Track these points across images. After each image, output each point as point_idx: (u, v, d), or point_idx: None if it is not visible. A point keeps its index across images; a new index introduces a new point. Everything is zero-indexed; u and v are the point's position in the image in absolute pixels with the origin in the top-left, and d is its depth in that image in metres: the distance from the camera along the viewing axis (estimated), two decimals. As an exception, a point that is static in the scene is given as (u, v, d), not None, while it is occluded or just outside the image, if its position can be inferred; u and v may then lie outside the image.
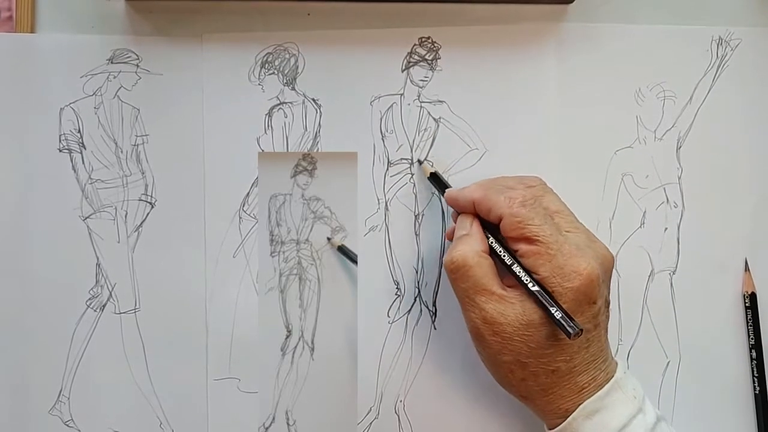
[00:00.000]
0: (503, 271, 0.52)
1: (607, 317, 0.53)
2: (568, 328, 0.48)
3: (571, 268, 0.50)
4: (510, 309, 0.51)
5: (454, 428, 0.59)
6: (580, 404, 0.50)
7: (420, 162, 0.60)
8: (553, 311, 0.49)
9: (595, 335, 0.51)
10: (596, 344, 0.51)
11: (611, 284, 0.54)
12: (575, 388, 0.51)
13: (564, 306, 0.49)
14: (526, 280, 0.51)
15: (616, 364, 0.53)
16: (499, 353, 0.51)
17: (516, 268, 0.51)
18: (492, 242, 0.53)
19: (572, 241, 0.51)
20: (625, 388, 0.51)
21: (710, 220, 0.61)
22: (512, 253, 0.52)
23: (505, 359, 0.51)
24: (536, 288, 0.50)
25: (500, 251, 0.52)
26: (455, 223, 0.56)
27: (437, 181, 0.59)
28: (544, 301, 0.50)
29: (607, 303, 0.53)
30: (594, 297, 0.51)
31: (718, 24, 0.61)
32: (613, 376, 0.52)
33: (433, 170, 0.59)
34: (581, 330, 0.49)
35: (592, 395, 0.51)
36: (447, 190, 0.57)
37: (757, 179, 0.61)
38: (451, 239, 0.57)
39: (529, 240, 0.51)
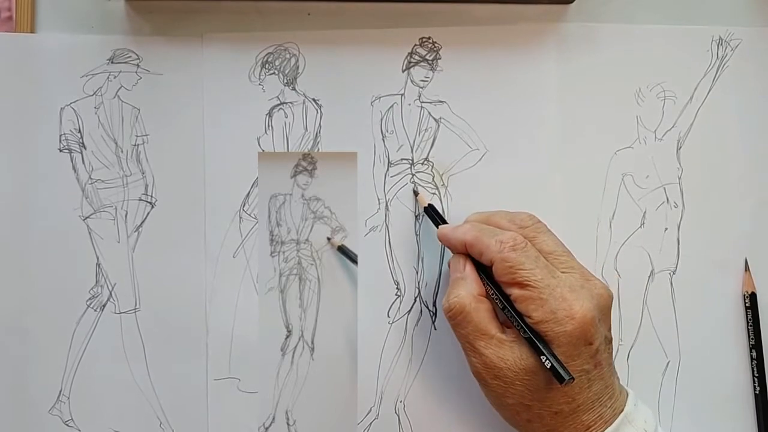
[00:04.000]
0: (501, 312, 0.53)
1: (610, 353, 0.53)
2: (560, 375, 0.49)
3: (563, 313, 0.50)
4: (509, 353, 0.51)
5: (454, 428, 0.59)
6: None
7: (416, 193, 0.60)
8: (543, 360, 0.49)
9: (597, 374, 0.51)
10: (599, 383, 0.51)
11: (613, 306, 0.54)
12: (581, 427, 0.50)
13: (559, 350, 0.49)
14: (518, 327, 0.51)
15: (627, 395, 0.53)
16: (502, 396, 0.51)
17: (510, 314, 0.51)
18: (486, 286, 0.53)
19: (566, 283, 0.51)
20: (635, 422, 0.51)
21: (710, 220, 0.61)
22: (507, 297, 0.52)
23: (510, 402, 0.51)
24: (527, 336, 0.50)
25: (494, 296, 0.53)
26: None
27: (432, 214, 0.58)
28: (535, 349, 0.50)
29: (608, 340, 0.52)
30: (590, 338, 0.50)
31: (719, 24, 0.61)
32: (622, 410, 0.51)
33: (427, 203, 0.59)
34: (572, 378, 0.49)
35: None
36: (440, 228, 0.57)
37: (757, 179, 0.61)
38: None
39: (520, 285, 0.51)
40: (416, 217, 0.60)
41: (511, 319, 0.51)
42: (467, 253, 0.54)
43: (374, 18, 0.60)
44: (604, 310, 0.52)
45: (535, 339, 0.50)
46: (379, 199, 0.60)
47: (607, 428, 0.50)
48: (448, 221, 0.58)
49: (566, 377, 0.48)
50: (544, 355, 0.49)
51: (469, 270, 0.54)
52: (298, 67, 0.60)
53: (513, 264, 0.51)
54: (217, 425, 0.59)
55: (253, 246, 0.59)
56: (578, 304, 0.50)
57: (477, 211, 0.58)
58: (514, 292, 0.51)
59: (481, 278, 0.54)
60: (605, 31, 0.61)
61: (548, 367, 0.49)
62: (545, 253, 0.53)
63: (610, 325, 0.53)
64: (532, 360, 0.50)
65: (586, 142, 0.60)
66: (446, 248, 0.59)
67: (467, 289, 0.53)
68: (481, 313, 0.52)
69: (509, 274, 0.51)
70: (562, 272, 0.52)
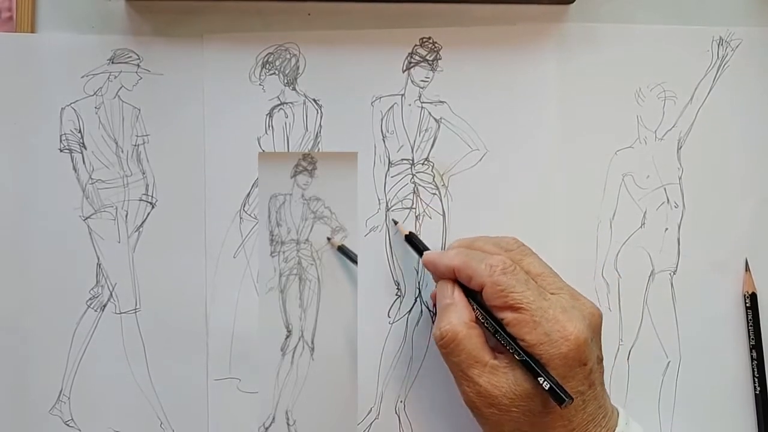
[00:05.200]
0: (492, 337, 0.52)
1: (601, 373, 0.52)
2: (560, 396, 0.48)
3: (558, 335, 0.49)
4: (503, 379, 0.50)
5: (454, 428, 0.59)
6: None
7: (395, 222, 0.59)
8: (541, 381, 0.49)
9: (591, 394, 0.51)
10: (593, 403, 0.51)
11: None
12: None
13: (554, 372, 0.49)
14: (512, 351, 0.50)
15: (618, 414, 0.53)
16: (498, 424, 0.51)
17: (503, 338, 0.51)
18: (476, 311, 0.53)
19: (557, 305, 0.51)
20: None
21: (710, 220, 0.61)
22: (498, 322, 0.51)
23: (506, 430, 0.51)
24: (523, 359, 0.50)
25: (485, 322, 0.52)
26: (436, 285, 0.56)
27: (413, 243, 0.58)
28: (532, 372, 0.49)
29: (600, 359, 0.52)
30: (584, 359, 0.50)
31: (719, 24, 0.61)
32: (614, 430, 0.51)
33: (407, 232, 0.58)
34: (572, 399, 0.48)
35: None
36: (425, 254, 0.56)
37: (758, 179, 0.61)
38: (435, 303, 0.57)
39: (512, 308, 0.50)
40: (416, 217, 0.60)
41: (504, 344, 0.51)
42: (454, 279, 0.54)
43: (374, 18, 0.60)
44: (596, 329, 0.52)
45: (531, 362, 0.49)
46: (379, 199, 0.60)
47: None
48: (430, 247, 0.58)
49: (566, 399, 0.48)
50: (542, 377, 0.49)
51: (458, 295, 0.53)
52: (298, 67, 0.60)
53: (504, 287, 0.51)
54: (217, 425, 0.59)
55: (253, 246, 0.59)
56: (571, 325, 0.50)
57: (460, 237, 0.58)
58: (507, 315, 0.51)
59: (470, 304, 0.53)
60: (605, 31, 0.61)
61: (546, 389, 0.48)
62: (533, 275, 0.53)
63: (601, 344, 0.53)
64: (527, 385, 0.50)
65: (586, 142, 0.60)
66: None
67: (458, 315, 0.52)
68: (474, 340, 0.51)
69: (501, 297, 0.51)
70: (552, 294, 0.52)
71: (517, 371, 0.50)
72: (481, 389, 0.50)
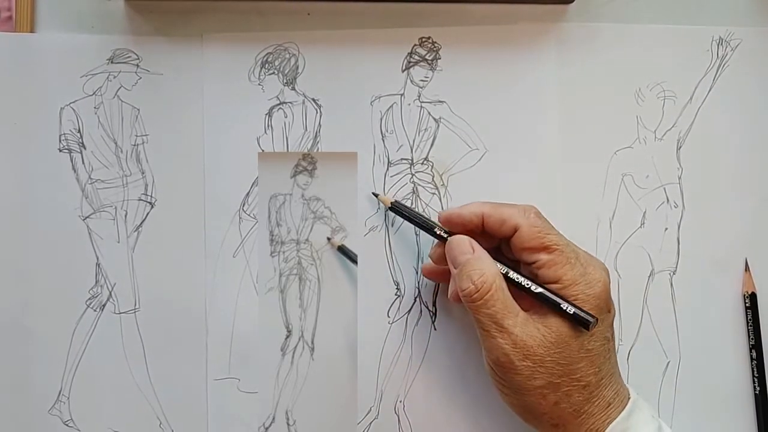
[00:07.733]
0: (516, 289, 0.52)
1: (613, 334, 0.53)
2: (584, 317, 0.49)
3: (591, 276, 0.51)
4: (535, 329, 0.50)
5: (454, 428, 0.59)
6: (609, 422, 0.50)
7: (376, 195, 0.59)
8: (564, 307, 0.50)
9: (612, 346, 0.52)
10: (613, 355, 0.52)
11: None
12: (603, 404, 0.51)
13: None
14: (527, 284, 0.51)
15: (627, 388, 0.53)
16: (529, 378, 0.50)
17: (521, 280, 0.51)
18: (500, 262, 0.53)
19: (582, 252, 0.52)
20: (642, 408, 0.52)
21: (710, 220, 0.61)
22: (516, 269, 0.52)
23: (537, 384, 0.50)
24: (540, 290, 0.51)
25: (506, 271, 0.52)
26: (433, 259, 0.56)
27: (401, 212, 0.57)
28: (553, 298, 0.50)
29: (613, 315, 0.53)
30: (609, 305, 0.52)
31: (719, 24, 0.61)
32: (629, 398, 0.52)
33: (392, 201, 0.58)
34: (596, 318, 0.50)
35: (618, 414, 0.50)
36: (443, 211, 0.55)
37: (757, 179, 0.61)
38: (428, 276, 0.57)
39: (548, 249, 0.51)
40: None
41: (531, 287, 0.51)
42: (470, 234, 0.53)
43: (374, 18, 0.60)
44: (609, 286, 0.53)
45: (551, 291, 0.50)
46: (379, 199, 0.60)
47: (622, 412, 0.51)
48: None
49: (590, 319, 0.49)
50: (564, 303, 0.50)
51: (479, 248, 0.53)
52: (297, 67, 0.60)
53: (541, 228, 0.52)
54: (217, 425, 0.59)
55: (253, 246, 0.59)
56: (600, 270, 0.52)
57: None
58: (542, 257, 0.51)
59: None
60: (605, 31, 0.61)
61: (572, 312, 0.49)
62: None
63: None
64: (562, 329, 0.50)
65: (586, 142, 0.60)
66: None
67: (488, 265, 0.51)
68: (506, 290, 0.51)
69: (538, 238, 0.51)
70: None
71: (549, 319, 0.50)
72: (517, 339, 0.50)
